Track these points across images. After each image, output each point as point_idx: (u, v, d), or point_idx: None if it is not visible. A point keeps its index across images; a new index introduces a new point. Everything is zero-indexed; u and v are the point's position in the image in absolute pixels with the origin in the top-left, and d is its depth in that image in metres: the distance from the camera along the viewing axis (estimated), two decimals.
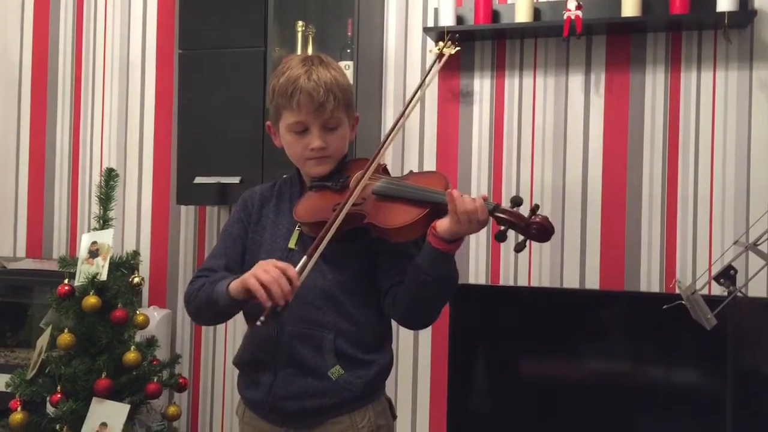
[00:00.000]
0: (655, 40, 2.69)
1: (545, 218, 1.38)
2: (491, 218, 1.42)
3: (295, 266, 1.46)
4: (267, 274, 1.41)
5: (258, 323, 1.40)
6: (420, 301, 1.52)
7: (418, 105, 2.91)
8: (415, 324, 1.67)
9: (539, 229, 1.38)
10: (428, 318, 1.61)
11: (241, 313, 1.68)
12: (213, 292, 1.55)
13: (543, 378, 2.56)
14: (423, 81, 1.66)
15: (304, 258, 1.46)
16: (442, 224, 1.43)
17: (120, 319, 2.43)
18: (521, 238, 1.41)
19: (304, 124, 1.59)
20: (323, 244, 1.47)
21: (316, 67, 1.58)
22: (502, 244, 2.76)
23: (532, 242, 1.41)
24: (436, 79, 2.89)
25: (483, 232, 1.96)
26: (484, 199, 1.42)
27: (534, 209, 1.39)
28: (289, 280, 1.41)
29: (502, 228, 1.41)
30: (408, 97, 2.91)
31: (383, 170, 1.65)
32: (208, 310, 1.60)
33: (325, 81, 1.56)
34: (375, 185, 1.56)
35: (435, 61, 1.69)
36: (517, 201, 1.41)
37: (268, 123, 1.69)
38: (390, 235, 1.50)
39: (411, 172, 1.72)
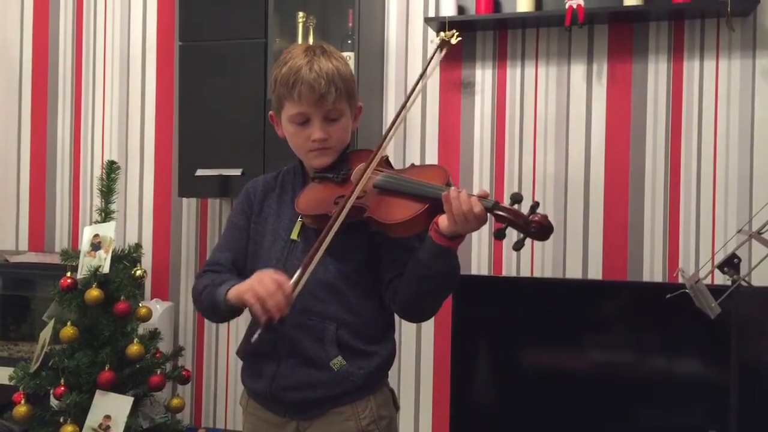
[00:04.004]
0: (657, 29, 2.68)
1: (544, 216, 1.37)
2: (491, 215, 1.41)
3: (297, 259, 1.46)
4: (263, 286, 1.43)
5: (253, 340, 1.43)
6: (420, 294, 1.52)
7: (420, 96, 2.90)
8: (415, 317, 1.67)
9: (538, 228, 1.36)
10: (428, 311, 1.61)
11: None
12: (215, 295, 1.58)
13: (546, 368, 2.56)
14: (424, 71, 1.65)
15: (299, 271, 1.47)
16: (444, 221, 1.42)
17: (123, 312, 2.43)
18: (521, 235, 1.40)
19: (305, 115, 1.58)
20: (320, 252, 1.47)
21: (318, 57, 1.57)
22: None
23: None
24: (437, 69, 2.88)
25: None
26: (485, 196, 1.41)
27: (533, 207, 1.38)
28: (284, 293, 1.43)
29: (502, 226, 1.40)
30: (409, 89, 2.91)
31: (385, 162, 1.64)
32: (212, 313, 1.66)
33: (326, 72, 1.55)
34: (376, 179, 1.55)
35: (436, 51, 1.67)
36: (516, 198, 1.40)
37: (270, 113, 1.69)
38: (389, 230, 1.49)
39: (413, 164, 1.71)
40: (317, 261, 1.47)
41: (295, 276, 1.46)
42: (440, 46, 1.68)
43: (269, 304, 1.41)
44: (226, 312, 1.58)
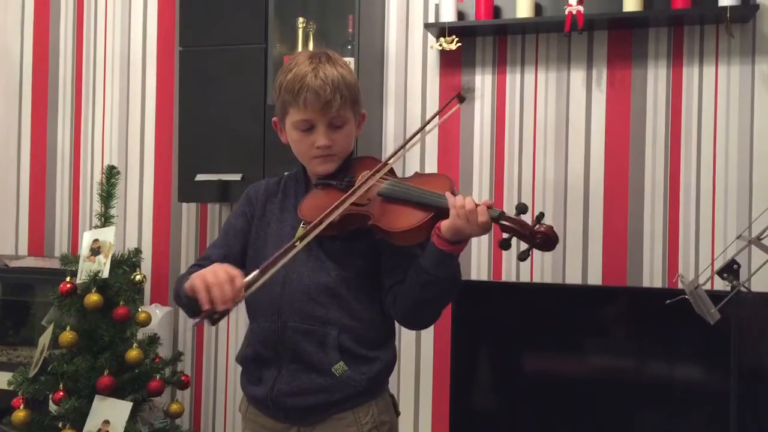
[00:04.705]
0: (656, 35, 2.69)
1: (549, 227, 1.37)
2: (495, 225, 1.42)
3: (300, 265, 1.46)
4: (214, 276, 1.38)
5: (192, 324, 1.39)
6: (421, 301, 1.52)
7: (420, 101, 2.91)
8: (415, 324, 1.66)
9: (543, 239, 1.37)
10: (428, 318, 1.61)
11: (244, 309, 1.69)
12: (180, 283, 1.54)
13: (545, 374, 2.56)
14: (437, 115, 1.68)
15: (256, 272, 1.44)
16: (446, 223, 1.43)
17: (122, 317, 2.43)
18: (525, 245, 1.40)
19: (310, 122, 1.58)
20: (289, 256, 1.45)
21: (324, 65, 1.57)
22: None
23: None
24: (437, 74, 2.89)
25: None
26: (489, 206, 1.41)
27: (539, 217, 1.38)
28: (234, 288, 1.38)
29: (506, 236, 1.40)
30: (409, 98, 2.92)
31: (389, 171, 1.64)
32: (180, 304, 1.60)
33: (332, 79, 1.55)
34: (380, 187, 1.55)
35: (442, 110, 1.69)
36: (521, 208, 1.40)
37: (274, 119, 1.69)
38: (393, 238, 1.50)
39: (416, 173, 1.71)
40: (280, 266, 1.45)
41: (251, 275, 1.43)
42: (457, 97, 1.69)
43: (215, 292, 1.36)
44: (186, 303, 1.52)
